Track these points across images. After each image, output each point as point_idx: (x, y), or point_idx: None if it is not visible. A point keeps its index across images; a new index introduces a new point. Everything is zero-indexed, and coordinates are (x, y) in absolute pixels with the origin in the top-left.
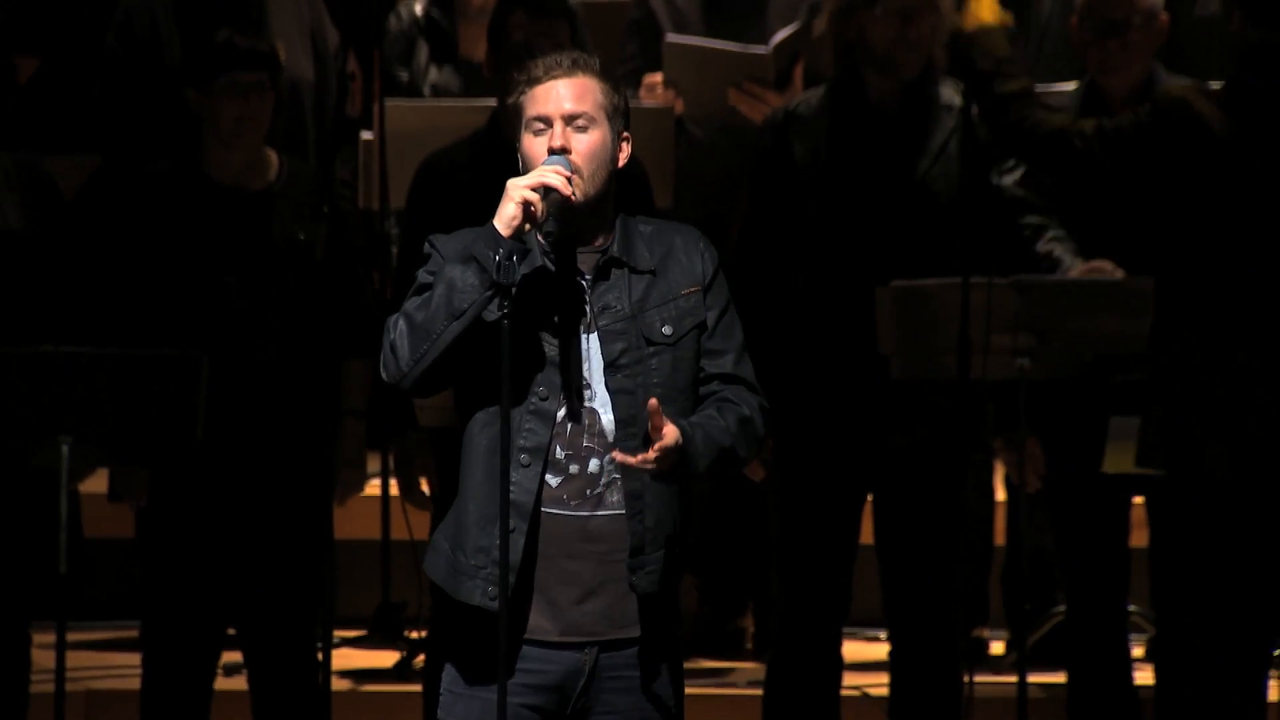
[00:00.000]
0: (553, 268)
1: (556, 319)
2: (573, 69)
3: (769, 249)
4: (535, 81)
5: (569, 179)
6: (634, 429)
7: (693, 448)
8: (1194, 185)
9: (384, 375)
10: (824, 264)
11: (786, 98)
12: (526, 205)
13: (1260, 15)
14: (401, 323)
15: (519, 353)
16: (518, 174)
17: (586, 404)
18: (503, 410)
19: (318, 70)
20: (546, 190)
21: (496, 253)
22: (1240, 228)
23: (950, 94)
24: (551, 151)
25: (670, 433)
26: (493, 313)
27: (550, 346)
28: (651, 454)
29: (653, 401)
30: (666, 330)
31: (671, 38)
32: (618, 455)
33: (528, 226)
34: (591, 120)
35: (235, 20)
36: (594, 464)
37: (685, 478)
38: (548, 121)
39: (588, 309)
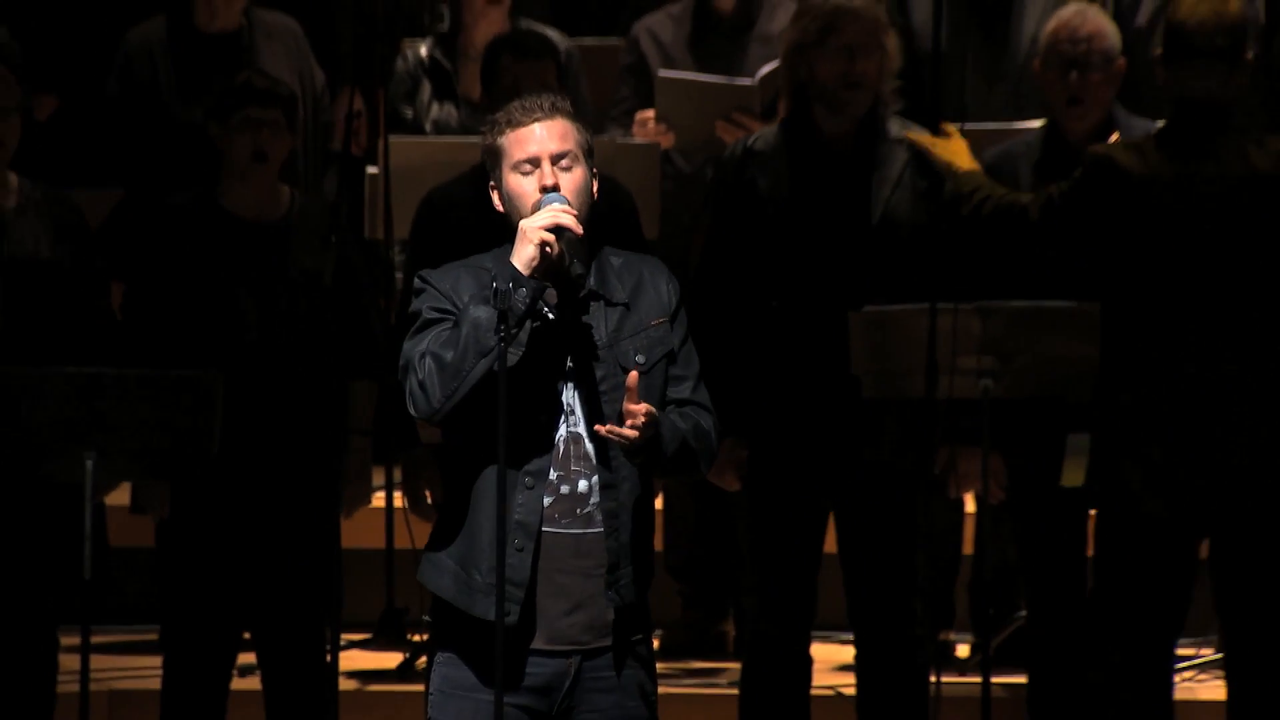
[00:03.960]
0: (547, 305)
1: (551, 351)
2: (552, 112)
3: (727, 278)
4: (517, 124)
5: (575, 216)
6: (612, 449)
7: (663, 429)
8: (1124, 227)
9: (413, 411)
10: (793, 291)
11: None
12: (544, 245)
13: (1180, 76)
14: (429, 362)
15: (523, 384)
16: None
17: (573, 429)
18: (500, 418)
19: (305, 108)
20: (560, 230)
21: (519, 291)
22: (1168, 259)
23: (899, 129)
24: (544, 189)
25: (646, 405)
26: (516, 353)
27: (545, 376)
28: (638, 420)
29: (632, 375)
30: (640, 359)
31: (663, 72)
32: (600, 428)
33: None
34: (575, 159)
35: (226, 61)
36: (582, 484)
37: (653, 459)
38: (535, 162)
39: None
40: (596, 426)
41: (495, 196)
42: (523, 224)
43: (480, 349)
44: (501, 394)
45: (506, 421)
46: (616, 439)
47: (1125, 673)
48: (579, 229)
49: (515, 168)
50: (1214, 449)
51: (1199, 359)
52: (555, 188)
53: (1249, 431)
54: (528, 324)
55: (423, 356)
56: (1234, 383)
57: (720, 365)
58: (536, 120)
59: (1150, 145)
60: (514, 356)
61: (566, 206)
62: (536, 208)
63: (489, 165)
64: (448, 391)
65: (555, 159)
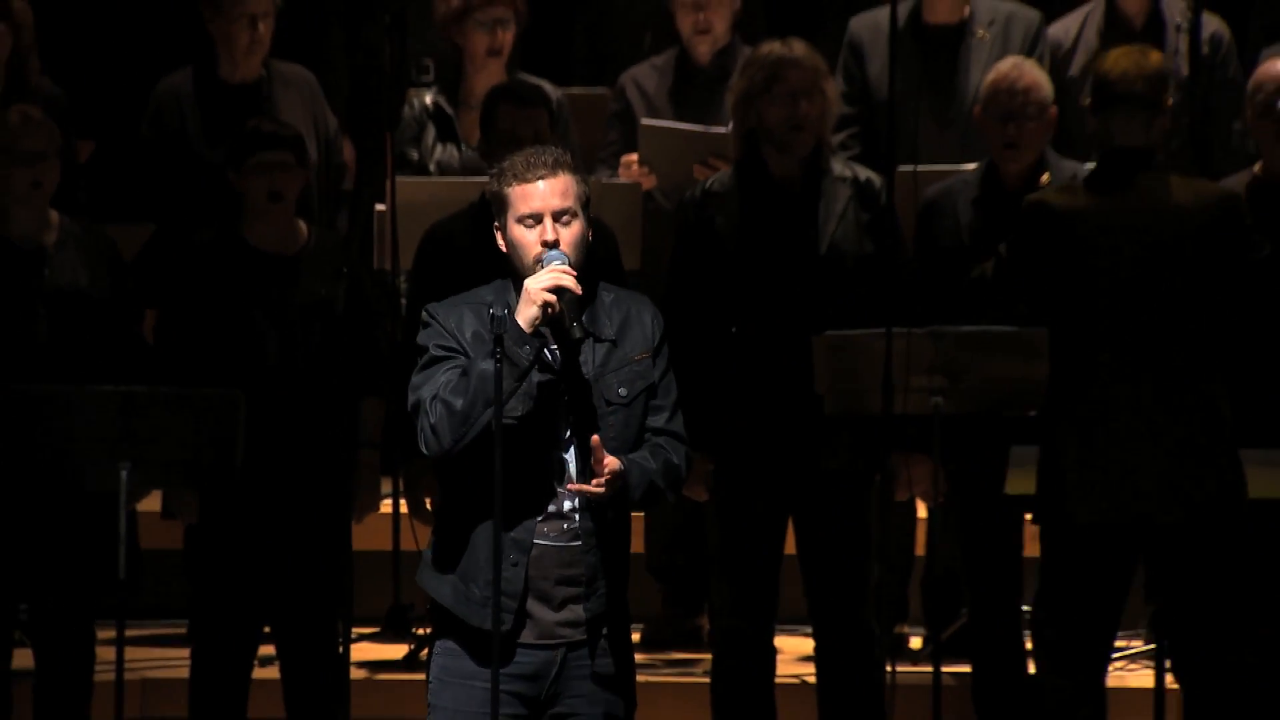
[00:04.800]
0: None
1: (548, 395)
2: (555, 168)
3: (690, 306)
4: (522, 179)
5: (575, 276)
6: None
7: (630, 479)
8: (1058, 258)
9: (424, 449)
10: (750, 317)
11: None
12: (546, 305)
13: (1106, 123)
14: (440, 408)
15: (521, 429)
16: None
17: (562, 455)
18: (496, 429)
19: (319, 151)
20: (561, 291)
21: (523, 348)
22: (1097, 285)
23: (841, 168)
24: (545, 244)
25: (612, 463)
26: (527, 405)
27: (543, 421)
28: (601, 481)
29: (595, 438)
30: (622, 391)
31: (646, 121)
32: (571, 486)
33: (534, 328)
34: (574, 214)
35: (248, 108)
36: (567, 505)
37: (622, 504)
38: (538, 218)
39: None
40: (569, 486)
41: (499, 238)
42: (527, 284)
43: (487, 400)
44: (498, 409)
45: (502, 447)
46: (587, 496)
47: (1061, 666)
48: (578, 289)
49: (520, 220)
50: (1145, 463)
51: (1129, 376)
52: (556, 243)
53: (1178, 445)
54: (534, 376)
55: (434, 400)
56: (1163, 399)
57: (687, 387)
58: (541, 177)
59: (1079, 187)
60: (525, 407)
61: (567, 266)
62: (539, 261)
63: (494, 209)
64: (457, 436)
65: (557, 215)
